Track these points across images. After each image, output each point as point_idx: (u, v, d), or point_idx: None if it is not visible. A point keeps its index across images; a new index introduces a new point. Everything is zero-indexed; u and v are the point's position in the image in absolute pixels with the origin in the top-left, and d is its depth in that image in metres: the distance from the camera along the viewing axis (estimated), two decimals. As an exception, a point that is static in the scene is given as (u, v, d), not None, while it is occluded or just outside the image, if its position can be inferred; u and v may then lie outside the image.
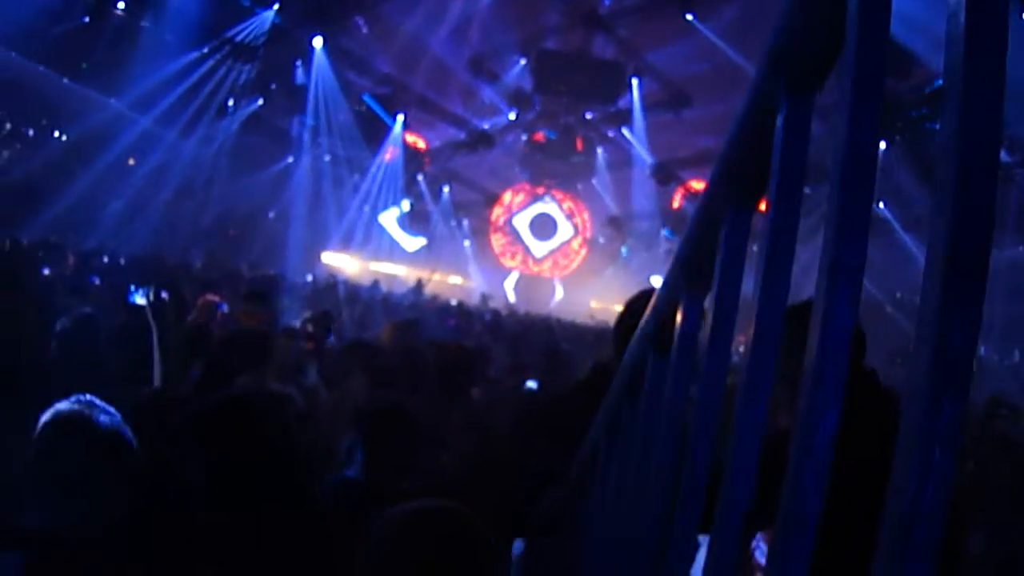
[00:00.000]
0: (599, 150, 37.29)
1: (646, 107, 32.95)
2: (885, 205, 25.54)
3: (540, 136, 36.57)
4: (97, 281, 14.21)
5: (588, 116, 35.14)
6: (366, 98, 31.59)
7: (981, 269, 0.82)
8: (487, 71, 33.14)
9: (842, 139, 1.06)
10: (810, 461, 1.04)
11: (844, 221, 1.04)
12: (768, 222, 1.31)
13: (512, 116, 35.99)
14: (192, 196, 29.33)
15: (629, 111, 33.54)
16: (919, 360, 0.83)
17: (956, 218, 0.82)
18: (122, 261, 19.23)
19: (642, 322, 2.35)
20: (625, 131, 34.80)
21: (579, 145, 36.61)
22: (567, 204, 40.41)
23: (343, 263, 36.51)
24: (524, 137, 36.84)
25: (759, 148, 1.41)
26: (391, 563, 2.73)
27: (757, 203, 1.55)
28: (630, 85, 32.56)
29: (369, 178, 34.29)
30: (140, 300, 9.54)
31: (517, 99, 34.49)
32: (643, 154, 34.39)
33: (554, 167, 38.32)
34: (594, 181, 39.20)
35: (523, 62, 32.70)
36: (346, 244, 36.01)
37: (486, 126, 35.50)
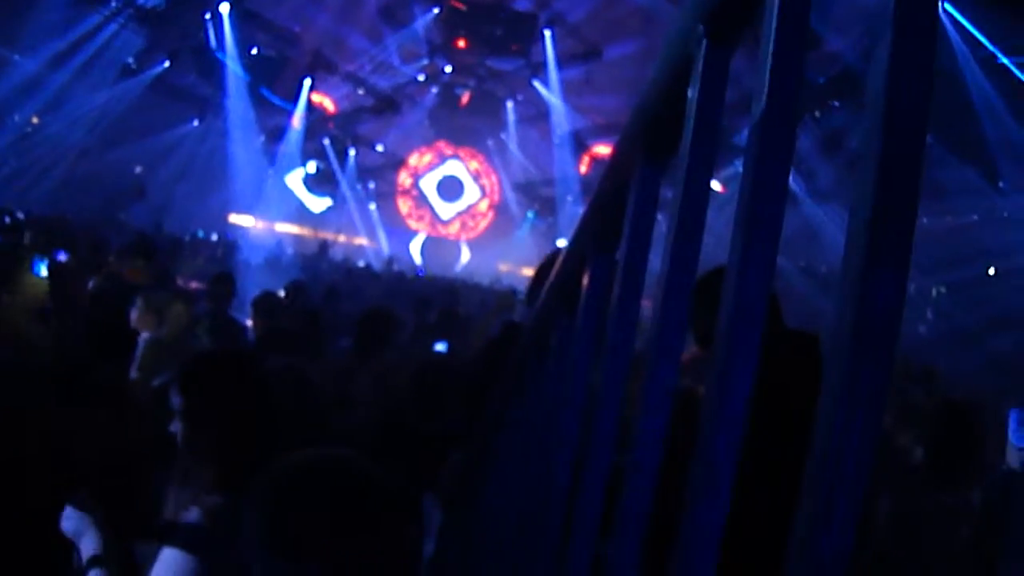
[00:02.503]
0: (510, 104, 37.19)
1: (558, 61, 32.97)
2: (792, 178, 25.84)
3: (450, 90, 36.43)
4: None
5: (498, 68, 35.02)
6: (263, 92, 31.29)
7: (907, 230, 0.80)
8: (398, 19, 32.85)
9: (763, 89, 1.03)
10: (723, 422, 1.02)
11: (762, 174, 1.02)
12: (681, 176, 1.29)
13: (421, 78, 35.89)
14: (94, 157, 28.95)
15: (542, 63, 33.50)
16: (842, 321, 0.80)
17: (882, 173, 0.80)
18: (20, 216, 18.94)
19: (548, 281, 2.32)
20: (538, 84, 34.76)
21: (488, 98, 36.58)
22: (474, 164, 40.46)
23: (250, 224, 36.28)
24: (434, 90, 36.67)
25: (674, 101, 1.38)
26: (282, 508, 2.71)
27: (668, 158, 1.52)
28: (543, 37, 32.50)
29: (276, 141, 34.08)
30: (43, 271, 9.41)
31: (429, 51, 34.31)
32: (558, 105, 34.39)
33: (464, 122, 38.29)
34: (503, 136, 39.17)
35: (436, 11, 32.44)
36: (253, 206, 35.75)
37: (391, 87, 35.42)
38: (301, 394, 4.56)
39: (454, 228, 41.12)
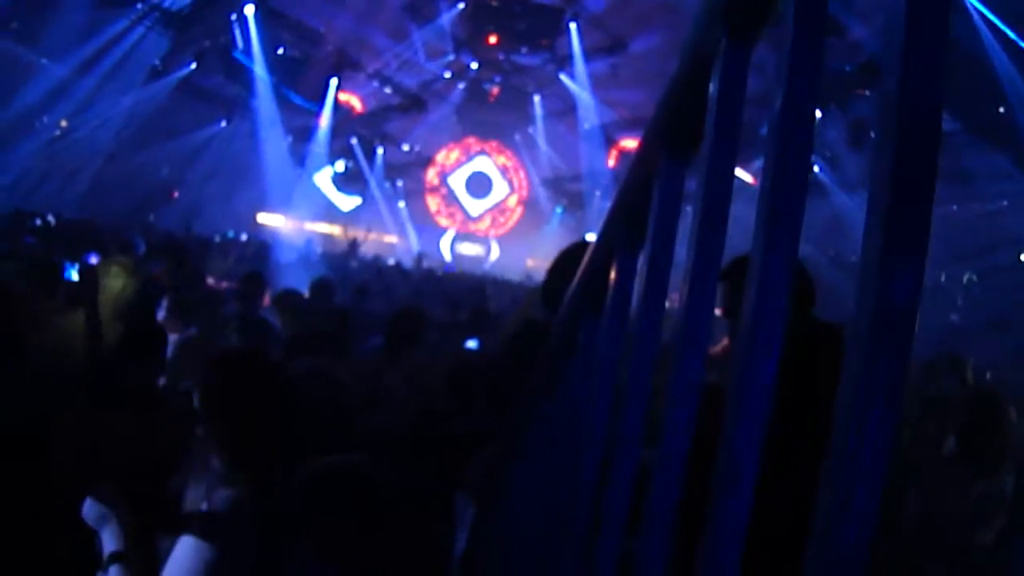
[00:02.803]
0: (536, 99, 37.13)
1: (585, 55, 32.91)
2: (820, 168, 25.81)
3: (477, 85, 36.40)
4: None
5: (525, 63, 34.98)
6: (288, 93, 31.37)
7: (924, 220, 0.80)
8: (423, 15, 32.84)
9: (782, 86, 1.03)
10: (746, 413, 1.02)
11: (782, 170, 1.02)
12: (703, 171, 1.29)
13: (447, 75, 35.92)
14: (122, 160, 29.10)
15: (568, 57, 33.44)
16: (861, 312, 0.81)
17: (898, 168, 0.80)
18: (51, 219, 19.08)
19: (576, 279, 2.33)
20: (564, 77, 34.71)
21: (515, 92, 36.56)
22: (502, 160, 40.46)
23: (280, 223, 36.42)
24: (461, 86, 36.66)
25: (696, 97, 1.39)
26: (300, 513, 2.81)
27: (692, 154, 1.52)
28: (568, 30, 32.43)
29: (304, 140, 34.17)
30: (75, 275, 9.46)
31: (454, 46, 34.29)
32: (585, 99, 34.32)
33: (491, 117, 38.30)
34: (531, 130, 39.13)
35: (461, 6, 32.40)
36: (282, 205, 35.86)
37: (417, 84, 35.50)
38: (328, 395, 4.58)
39: (483, 224, 41.13)
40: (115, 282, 7.94)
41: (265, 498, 3.18)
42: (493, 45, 33.07)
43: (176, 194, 32.07)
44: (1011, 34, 19.16)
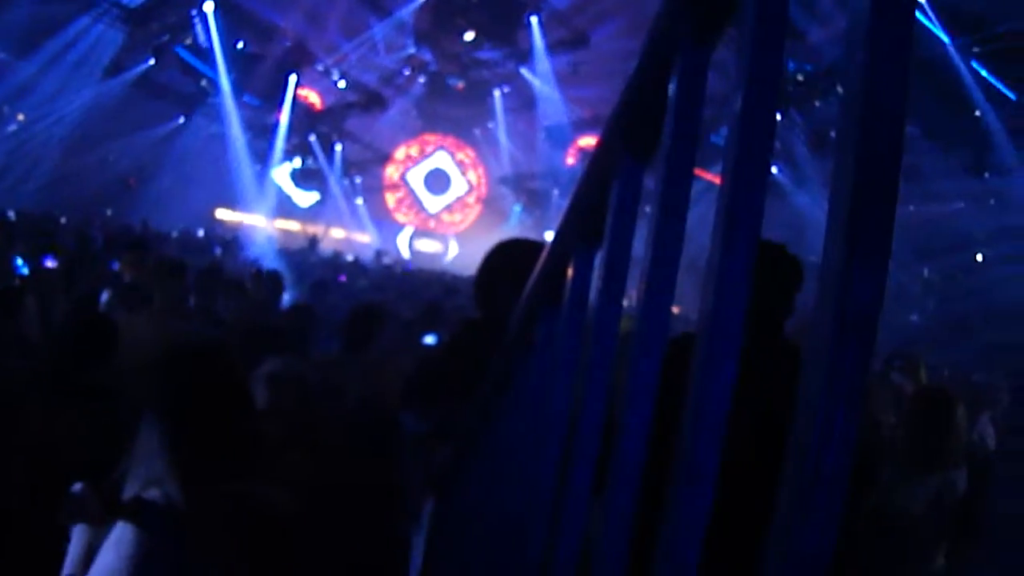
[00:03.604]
0: (497, 93, 37.09)
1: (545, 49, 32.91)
2: (780, 170, 26.00)
3: (437, 80, 36.33)
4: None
5: (485, 57, 34.94)
6: (246, 91, 31.28)
7: (886, 227, 0.81)
8: (382, 8, 32.75)
9: (742, 88, 1.04)
10: (707, 412, 1.03)
11: (742, 172, 1.03)
12: (661, 176, 1.30)
13: (407, 72, 35.86)
14: (80, 154, 28.90)
15: (529, 51, 33.44)
16: (823, 319, 0.82)
17: (860, 175, 0.81)
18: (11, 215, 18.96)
19: (533, 276, 2.33)
20: (525, 71, 34.70)
21: (475, 86, 36.53)
22: (461, 156, 40.40)
23: (238, 219, 36.26)
24: (421, 79, 36.57)
25: (655, 97, 1.40)
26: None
27: (651, 155, 1.53)
28: (529, 24, 32.42)
29: (261, 136, 34.01)
30: (24, 271, 9.38)
31: (415, 39, 34.21)
32: (546, 94, 34.30)
33: (452, 111, 38.23)
34: (491, 125, 39.08)
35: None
36: (240, 201, 35.69)
37: (377, 79, 35.45)
38: (298, 396, 4.59)
39: (442, 221, 41.07)
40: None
41: (195, 500, 3.18)
42: (452, 38, 33.09)
43: (132, 183, 31.82)
44: (966, 37, 19.38)
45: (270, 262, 17.91)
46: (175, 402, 3.36)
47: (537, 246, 4.15)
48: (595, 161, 1.79)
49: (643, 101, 1.51)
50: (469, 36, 32.79)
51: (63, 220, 20.30)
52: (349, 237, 38.37)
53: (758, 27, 1.05)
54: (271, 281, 10.77)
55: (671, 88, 1.32)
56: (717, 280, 1.03)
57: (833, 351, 0.81)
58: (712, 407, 1.03)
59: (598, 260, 1.68)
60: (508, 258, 4.42)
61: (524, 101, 36.51)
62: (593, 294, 1.70)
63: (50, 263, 10.74)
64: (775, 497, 0.85)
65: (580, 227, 1.87)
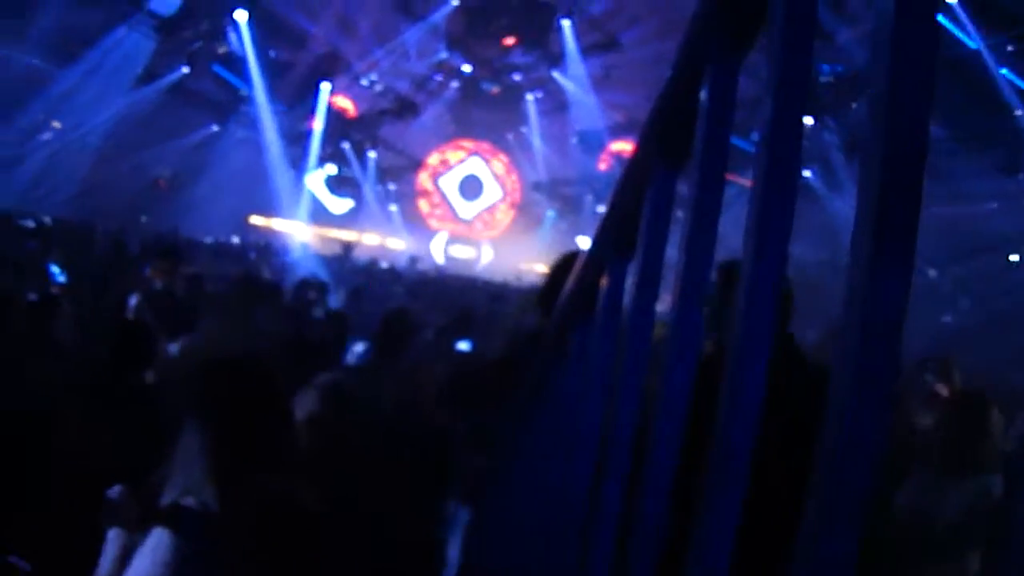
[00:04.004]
0: (530, 97, 37.03)
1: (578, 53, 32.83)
2: (813, 173, 25.93)
3: (469, 84, 36.31)
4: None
5: (517, 61, 34.91)
6: (279, 98, 31.40)
7: (910, 230, 0.82)
8: (414, 13, 32.78)
9: (771, 100, 1.05)
10: (738, 415, 1.04)
11: (771, 181, 1.04)
12: (693, 183, 1.31)
13: (439, 78, 35.92)
14: (115, 162, 29.10)
15: (561, 55, 33.37)
16: (850, 320, 0.83)
17: (885, 179, 0.82)
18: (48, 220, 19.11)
19: (567, 286, 2.34)
20: (557, 75, 34.65)
21: (508, 91, 36.49)
22: (494, 162, 40.39)
23: (271, 226, 36.41)
24: (454, 84, 36.58)
25: (688, 105, 1.40)
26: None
27: (683, 164, 1.54)
28: (560, 26, 32.37)
29: (294, 143, 34.10)
30: (61, 278, 9.45)
31: (447, 44, 34.23)
32: (579, 97, 34.23)
33: (484, 117, 38.20)
34: (524, 130, 39.02)
35: (455, 3, 32.34)
36: (273, 208, 35.82)
37: (410, 85, 35.55)
38: (341, 408, 4.62)
39: (475, 227, 41.06)
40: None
41: (231, 508, 3.21)
42: (486, 43, 33.10)
43: (162, 184, 31.97)
44: (999, 36, 19.24)
45: (308, 268, 17.96)
46: (214, 412, 3.39)
47: None
48: (630, 170, 1.80)
49: (676, 109, 1.52)
50: (509, 41, 32.82)
51: (99, 227, 20.41)
52: (383, 243, 38.41)
53: (787, 34, 1.06)
54: (312, 289, 10.80)
55: (703, 96, 1.33)
56: (748, 285, 1.04)
57: (860, 356, 0.81)
58: (744, 411, 1.04)
59: (632, 268, 1.69)
60: (569, 269, 4.45)
61: (557, 105, 36.40)
62: (626, 303, 1.70)
63: (61, 278, 10.82)
64: (798, 501, 0.86)
65: (614, 237, 1.88)
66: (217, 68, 29.83)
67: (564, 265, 4.47)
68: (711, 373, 1.28)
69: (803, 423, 1.73)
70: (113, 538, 3.45)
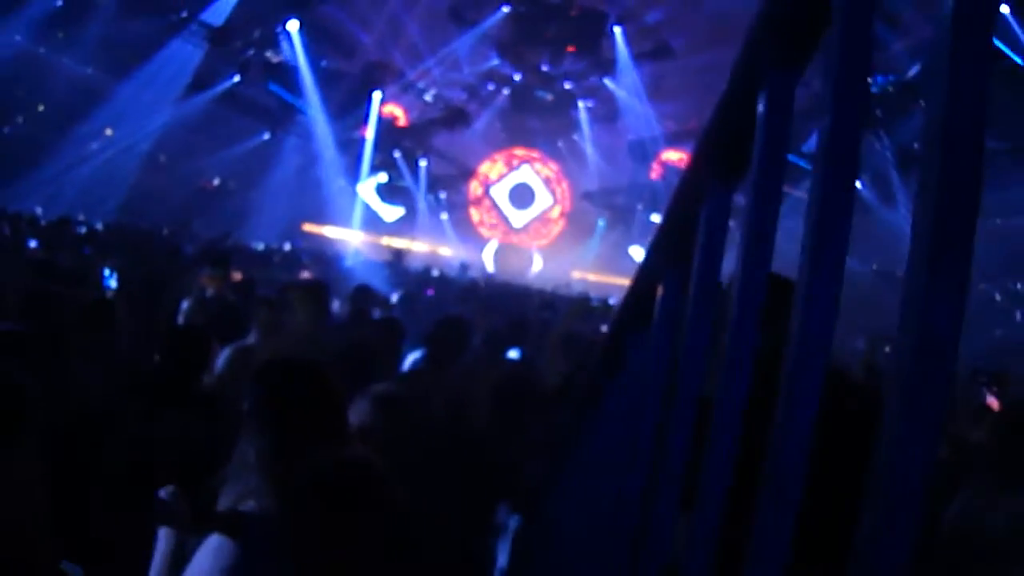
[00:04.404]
0: (582, 104, 37.00)
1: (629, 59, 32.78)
2: (863, 185, 25.80)
3: (521, 91, 36.32)
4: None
5: (569, 68, 34.90)
6: (331, 107, 31.58)
7: (966, 246, 0.82)
8: (467, 19, 32.85)
9: (827, 118, 1.05)
10: (794, 427, 1.04)
11: (827, 201, 1.04)
12: (750, 197, 1.31)
13: (491, 87, 36.01)
14: (166, 169, 29.43)
15: (613, 61, 33.33)
16: (904, 341, 0.83)
17: (941, 197, 0.82)
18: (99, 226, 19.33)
19: (623, 298, 2.35)
20: (608, 82, 34.60)
21: (560, 98, 36.49)
22: (545, 171, 40.37)
23: (325, 233, 36.64)
24: (506, 91, 36.62)
25: (742, 123, 1.40)
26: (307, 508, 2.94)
27: (739, 178, 1.54)
28: (612, 33, 32.32)
29: (345, 152, 34.28)
30: (113, 284, 9.53)
31: (499, 51, 34.29)
32: (630, 104, 34.17)
33: (535, 124, 38.23)
34: (575, 137, 39.01)
35: (505, 9, 32.39)
36: (325, 215, 36.05)
37: (460, 92, 35.68)
38: (405, 419, 4.65)
39: (526, 235, 41.06)
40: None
41: (289, 510, 3.24)
42: (537, 49, 33.13)
43: (209, 186, 32.25)
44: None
45: (365, 276, 18.02)
46: (273, 418, 3.43)
47: None
48: (684, 183, 1.80)
49: (731, 124, 1.52)
50: (561, 48, 32.83)
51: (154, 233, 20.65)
52: (434, 251, 38.51)
53: (844, 49, 1.06)
54: (367, 297, 10.83)
55: (759, 110, 1.33)
56: (805, 298, 1.04)
57: (914, 370, 0.81)
58: (799, 422, 1.04)
59: (688, 280, 1.69)
60: None
61: (607, 114, 36.41)
62: (683, 314, 1.71)
63: (112, 283, 10.92)
64: (850, 517, 0.86)
65: (669, 249, 1.88)
66: (272, 86, 30.10)
67: None
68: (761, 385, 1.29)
69: (853, 438, 1.72)
70: (163, 538, 3.49)
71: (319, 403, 3.55)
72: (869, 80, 1.08)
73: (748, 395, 1.33)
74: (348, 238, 35.92)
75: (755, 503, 1.08)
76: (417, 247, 37.22)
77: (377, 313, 10.65)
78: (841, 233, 1.04)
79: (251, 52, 29.43)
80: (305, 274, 14.07)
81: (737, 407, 1.33)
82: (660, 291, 1.90)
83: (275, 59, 29.96)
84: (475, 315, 12.47)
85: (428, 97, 35.05)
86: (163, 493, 3.46)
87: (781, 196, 1.32)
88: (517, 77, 35.27)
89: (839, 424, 1.96)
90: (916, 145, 23.08)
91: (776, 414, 1.06)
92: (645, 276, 2.10)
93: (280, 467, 3.33)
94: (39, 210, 21.60)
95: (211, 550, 3.21)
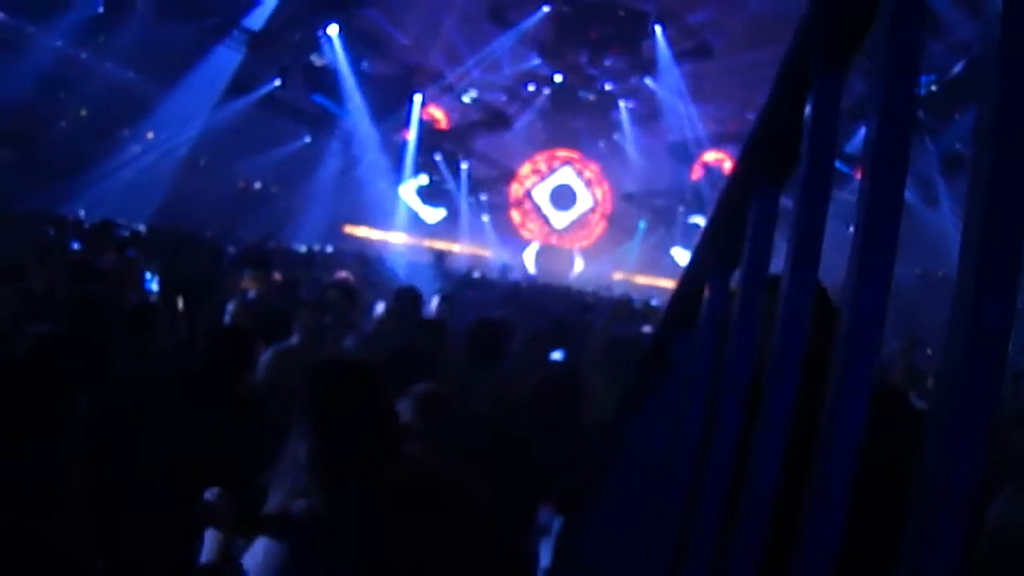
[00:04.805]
0: (623, 104, 36.88)
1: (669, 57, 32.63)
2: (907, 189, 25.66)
3: (562, 91, 36.22)
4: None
5: (610, 67, 34.77)
6: (374, 110, 31.71)
7: (1017, 245, 0.82)
8: (508, 20, 32.80)
9: (875, 120, 1.05)
10: (842, 433, 1.04)
11: (876, 206, 1.04)
12: (798, 200, 1.31)
13: (531, 87, 35.98)
14: (206, 172, 29.63)
15: (654, 61, 33.20)
16: (955, 342, 0.83)
17: (991, 205, 0.82)
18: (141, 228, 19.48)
19: (669, 298, 2.35)
20: (649, 81, 34.47)
21: (601, 98, 36.38)
22: (587, 173, 40.26)
23: (366, 235, 36.76)
24: (547, 91, 36.54)
25: (790, 124, 1.40)
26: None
27: (786, 180, 1.54)
28: (653, 33, 32.19)
29: (387, 155, 34.36)
30: (154, 286, 9.60)
31: (539, 51, 34.23)
32: (670, 103, 34.02)
33: (575, 124, 38.13)
34: (616, 137, 38.86)
35: (546, 9, 32.32)
36: (367, 218, 36.17)
37: (504, 99, 35.70)
38: (440, 416, 4.66)
39: (567, 237, 40.98)
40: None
41: (340, 510, 3.25)
42: (578, 49, 33.07)
43: (245, 187, 32.42)
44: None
45: (407, 278, 18.03)
46: (321, 418, 3.45)
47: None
48: (731, 184, 1.80)
49: (779, 125, 1.52)
50: (609, 49, 32.74)
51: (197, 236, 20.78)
52: (475, 253, 38.50)
53: (893, 49, 1.06)
54: (410, 298, 10.84)
55: (807, 111, 1.33)
56: (852, 304, 1.03)
57: (964, 373, 0.82)
58: (847, 427, 1.04)
59: (735, 281, 1.69)
60: None
61: (648, 115, 36.23)
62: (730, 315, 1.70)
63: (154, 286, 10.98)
64: (895, 525, 0.86)
65: (716, 250, 1.88)
66: (312, 90, 30.26)
67: None
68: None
69: (898, 449, 1.72)
70: (209, 539, 3.51)
71: (369, 403, 3.57)
72: (919, 72, 1.08)
73: (796, 397, 1.32)
74: (390, 240, 36.00)
75: (801, 506, 1.07)
76: (458, 249, 37.21)
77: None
78: (890, 235, 1.04)
79: (291, 56, 29.55)
80: (342, 274, 14.10)
81: (785, 409, 1.33)
82: (707, 291, 1.90)
83: (316, 63, 30.06)
84: (517, 317, 12.44)
85: (467, 99, 35.03)
86: (208, 495, 3.48)
87: (830, 196, 1.32)
88: (558, 78, 35.15)
89: (888, 446, 1.95)
90: (958, 146, 22.97)
91: (824, 416, 1.06)
92: (692, 276, 2.10)
93: (332, 466, 3.35)
94: (82, 213, 21.79)
95: (259, 552, 3.23)
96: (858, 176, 1.12)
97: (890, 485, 1.76)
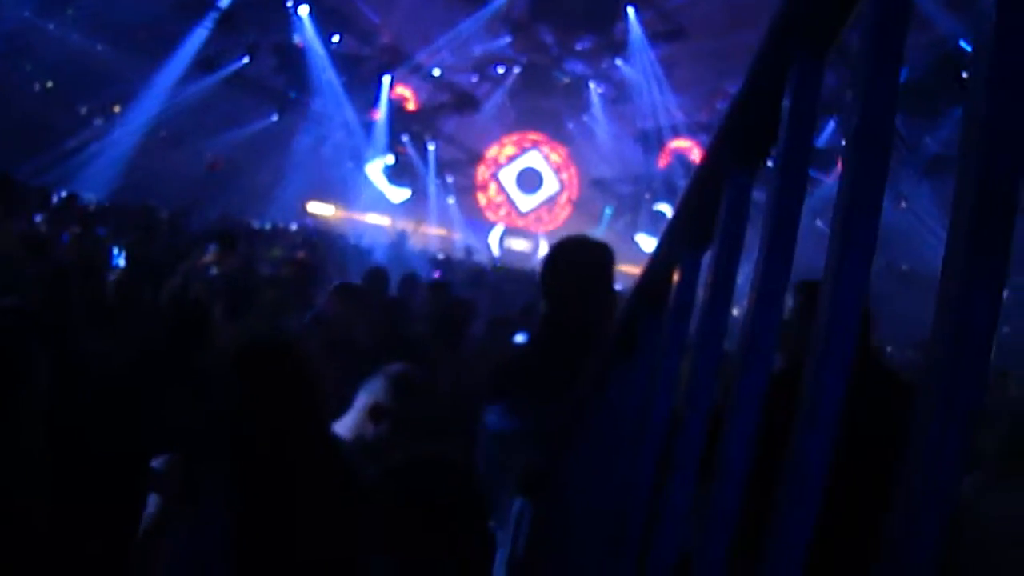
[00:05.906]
0: (592, 85, 36.90)
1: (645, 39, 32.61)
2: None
3: (531, 72, 36.22)
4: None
5: (580, 48, 34.77)
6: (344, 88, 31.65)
7: (1003, 244, 0.82)
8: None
9: (858, 106, 1.04)
10: (814, 435, 1.03)
11: (858, 191, 1.03)
12: (775, 182, 1.30)
13: (500, 70, 35.94)
14: (172, 148, 29.50)
15: (625, 43, 33.19)
16: (940, 338, 0.82)
17: (979, 195, 0.81)
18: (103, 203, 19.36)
19: (638, 280, 2.33)
20: (620, 63, 34.47)
21: (571, 79, 36.41)
22: (554, 156, 40.29)
23: (329, 213, 36.77)
24: (516, 70, 36.51)
25: (767, 108, 1.39)
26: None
27: (762, 162, 1.53)
28: (625, 14, 32.16)
29: (355, 135, 34.27)
30: (121, 262, 9.55)
31: (510, 30, 34.17)
32: (641, 87, 34.00)
33: (544, 105, 38.14)
34: (585, 118, 38.88)
35: None
36: (331, 196, 36.15)
37: (474, 79, 35.65)
38: (418, 399, 4.68)
39: (532, 220, 41.04)
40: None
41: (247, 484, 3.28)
42: (547, 29, 33.04)
43: (213, 166, 32.28)
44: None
45: (370, 257, 18.00)
46: (250, 399, 3.45)
47: (597, 245, 4.33)
48: (704, 167, 1.79)
49: (755, 108, 1.51)
50: (581, 29, 32.70)
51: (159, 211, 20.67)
52: (440, 234, 38.53)
53: (875, 40, 1.05)
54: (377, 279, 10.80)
55: (786, 95, 1.32)
56: (830, 296, 1.02)
57: (950, 367, 0.81)
58: (823, 413, 1.03)
59: (705, 266, 1.68)
60: (568, 256, 4.39)
61: (618, 98, 36.29)
62: (699, 300, 1.69)
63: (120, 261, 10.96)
64: (874, 513, 0.86)
65: (687, 233, 1.87)
66: (281, 68, 30.18)
67: (561, 253, 4.41)
68: (784, 389, 1.27)
69: (883, 436, 1.71)
70: (151, 505, 3.53)
71: (294, 383, 3.57)
72: (900, 73, 1.07)
73: (768, 383, 1.31)
74: (355, 219, 36.00)
75: (773, 490, 1.06)
76: (424, 230, 37.22)
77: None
78: (871, 222, 1.03)
79: (260, 34, 29.39)
80: (301, 254, 14.09)
81: (756, 397, 1.31)
82: (677, 274, 1.88)
83: (285, 42, 29.93)
84: (484, 301, 12.47)
85: (436, 72, 34.86)
86: (157, 463, 3.50)
87: (807, 183, 1.31)
88: (528, 58, 35.12)
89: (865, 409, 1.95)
90: (928, 140, 23.14)
91: (797, 418, 1.05)
92: (661, 260, 2.09)
93: (262, 448, 3.35)
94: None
95: (191, 525, 3.25)
96: (826, 179, 1.11)
97: (866, 457, 1.76)
